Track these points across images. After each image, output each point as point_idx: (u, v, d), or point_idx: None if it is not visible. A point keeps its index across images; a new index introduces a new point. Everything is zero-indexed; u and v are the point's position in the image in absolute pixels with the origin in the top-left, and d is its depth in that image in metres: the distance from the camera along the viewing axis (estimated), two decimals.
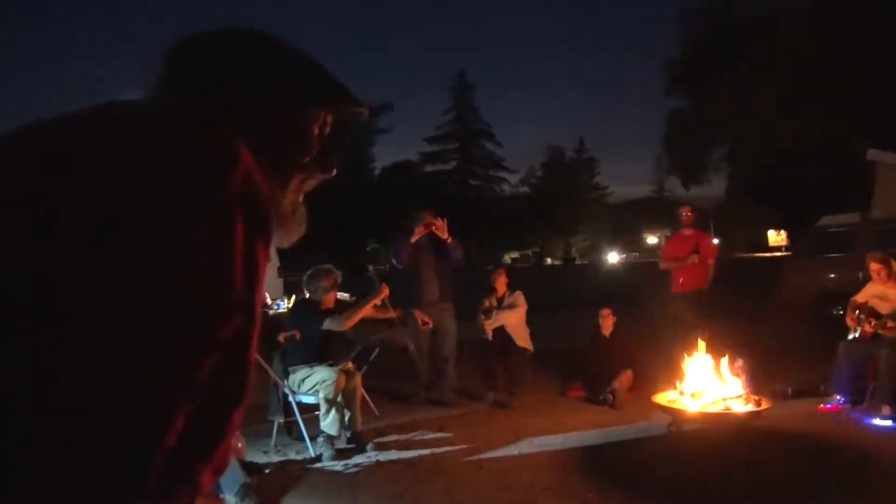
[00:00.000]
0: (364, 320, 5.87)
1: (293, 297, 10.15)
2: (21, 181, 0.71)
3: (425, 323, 6.89)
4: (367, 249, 59.86)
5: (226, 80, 0.88)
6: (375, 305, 5.90)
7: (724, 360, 5.85)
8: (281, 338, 5.70)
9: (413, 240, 6.94)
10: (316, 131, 0.94)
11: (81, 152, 0.72)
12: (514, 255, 73.66)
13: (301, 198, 0.96)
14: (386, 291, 5.96)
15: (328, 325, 5.59)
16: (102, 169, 0.70)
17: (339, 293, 6.52)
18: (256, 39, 0.92)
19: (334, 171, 0.99)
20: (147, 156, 0.71)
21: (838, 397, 6.17)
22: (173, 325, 0.66)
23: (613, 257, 70.80)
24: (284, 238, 0.96)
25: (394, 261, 7.16)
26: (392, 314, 6.18)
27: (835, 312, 9.87)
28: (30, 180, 0.70)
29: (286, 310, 10.19)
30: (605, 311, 7.34)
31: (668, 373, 6.13)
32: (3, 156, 0.76)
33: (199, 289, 0.68)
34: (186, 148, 0.73)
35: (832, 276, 11.84)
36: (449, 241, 6.99)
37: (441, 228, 6.96)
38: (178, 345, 0.67)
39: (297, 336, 5.66)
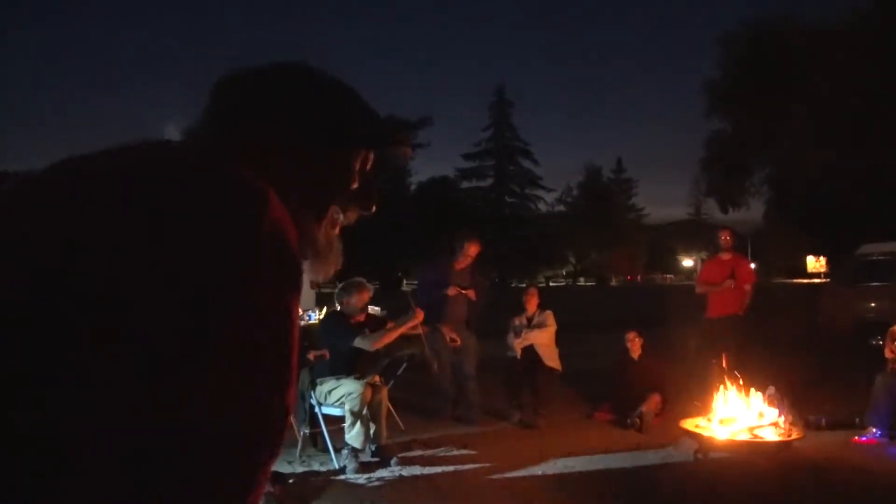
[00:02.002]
0: None
1: (324, 309, 10.23)
2: (46, 223, 0.71)
3: (453, 340, 6.91)
4: (397, 263, 60.00)
5: (268, 115, 0.88)
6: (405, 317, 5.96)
7: (756, 388, 5.75)
8: (311, 356, 5.75)
9: (451, 292, 7.05)
10: (357, 167, 0.94)
11: (106, 198, 0.71)
12: (548, 273, 73.28)
13: (337, 231, 0.96)
14: (421, 317, 6.04)
15: (359, 343, 5.62)
16: (125, 219, 0.69)
17: (370, 307, 6.57)
18: (303, 76, 0.92)
19: (373, 209, 0.99)
20: (173, 207, 0.70)
21: (875, 430, 6.00)
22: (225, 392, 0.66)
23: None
24: (321, 271, 0.96)
25: (418, 294, 7.28)
26: (419, 330, 6.21)
27: (873, 343, 9.66)
28: (54, 223, 0.70)
29: (317, 321, 10.26)
30: (632, 335, 7.26)
31: (698, 398, 6.05)
32: (33, 195, 0.76)
33: (240, 352, 0.67)
34: (215, 200, 0.72)
35: (872, 305, 11.61)
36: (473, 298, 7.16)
37: (471, 295, 7.13)
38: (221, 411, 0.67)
39: (327, 356, 5.69)
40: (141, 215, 0.69)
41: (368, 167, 0.97)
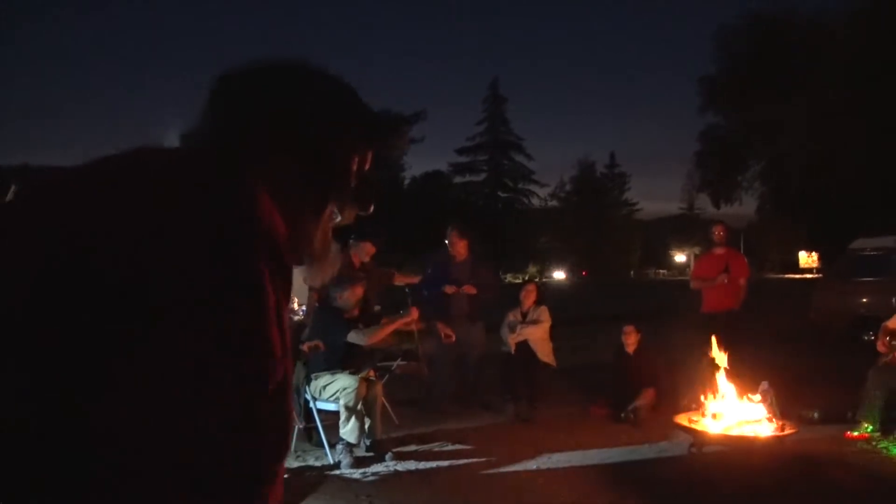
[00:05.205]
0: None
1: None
2: (43, 240, 0.71)
3: (447, 336, 6.92)
4: (391, 258, 59.91)
5: (267, 114, 0.88)
6: (400, 314, 5.97)
7: (749, 382, 5.76)
8: (304, 347, 5.74)
9: (448, 290, 7.06)
10: (355, 167, 0.94)
11: (101, 214, 0.72)
12: (541, 268, 73.28)
13: (331, 235, 0.95)
14: (416, 315, 6.04)
15: (353, 338, 5.62)
16: (121, 232, 0.69)
17: None
18: (302, 74, 0.92)
19: (371, 209, 0.98)
20: (169, 219, 0.70)
21: (866, 425, 6.03)
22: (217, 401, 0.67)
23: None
24: (318, 275, 0.96)
25: (422, 290, 7.27)
26: (413, 326, 6.23)
27: (866, 338, 9.72)
28: (51, 240, 0.71)
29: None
30: (629, 329, 7.28)
31: (692, 392, 6.06)
32: (29, 211, 0.77)
33: (233, 359, 0.68)
34: (212, 210, 0.72)
35: (865, 300, 11.64)
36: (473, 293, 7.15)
37: (470, 291, 7.12)
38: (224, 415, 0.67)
39: (322, 347, 5.68)
40: (145, 224, 0.69)
41: (367, 166, 0.96)
